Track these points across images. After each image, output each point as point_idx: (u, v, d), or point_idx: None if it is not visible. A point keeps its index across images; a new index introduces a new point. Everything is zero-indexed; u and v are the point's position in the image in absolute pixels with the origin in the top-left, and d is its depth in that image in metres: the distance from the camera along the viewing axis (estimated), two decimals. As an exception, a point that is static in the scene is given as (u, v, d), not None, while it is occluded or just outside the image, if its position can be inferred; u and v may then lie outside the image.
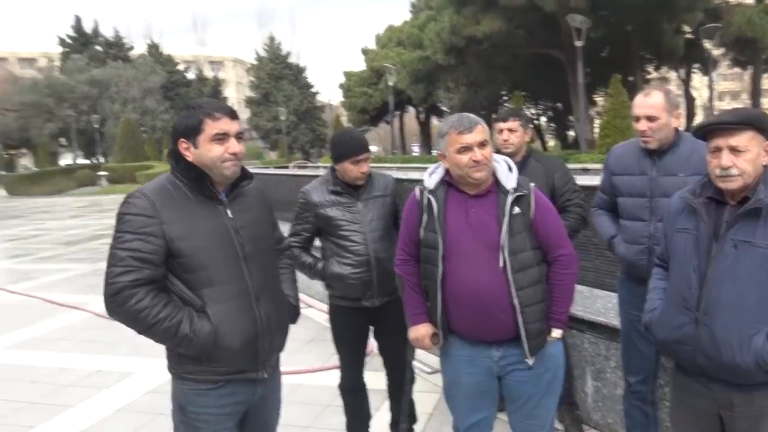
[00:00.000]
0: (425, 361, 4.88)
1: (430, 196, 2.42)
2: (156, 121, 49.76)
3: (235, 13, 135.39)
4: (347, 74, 52.34)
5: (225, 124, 2.08)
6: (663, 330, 2.20)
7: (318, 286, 7.05)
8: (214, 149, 2.06)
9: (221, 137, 2.07)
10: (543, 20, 25.49)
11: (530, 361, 2.39)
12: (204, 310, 2.04)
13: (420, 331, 2.56)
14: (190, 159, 2.09)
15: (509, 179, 2.38)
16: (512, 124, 3.56)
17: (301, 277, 8.01)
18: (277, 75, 60.46)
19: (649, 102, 2.85)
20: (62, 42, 56.23)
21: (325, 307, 6.64)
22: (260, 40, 67.20)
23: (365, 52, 51.82)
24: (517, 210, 2.34)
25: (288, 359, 5.05)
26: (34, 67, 60.11)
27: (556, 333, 2.43)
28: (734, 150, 2.00)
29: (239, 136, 2.12)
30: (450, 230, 2.37)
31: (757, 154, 2.02)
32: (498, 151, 3.56)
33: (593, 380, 3.65)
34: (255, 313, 2.12)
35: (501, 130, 3.57)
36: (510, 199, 2.34)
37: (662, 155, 2.88)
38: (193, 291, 2.05)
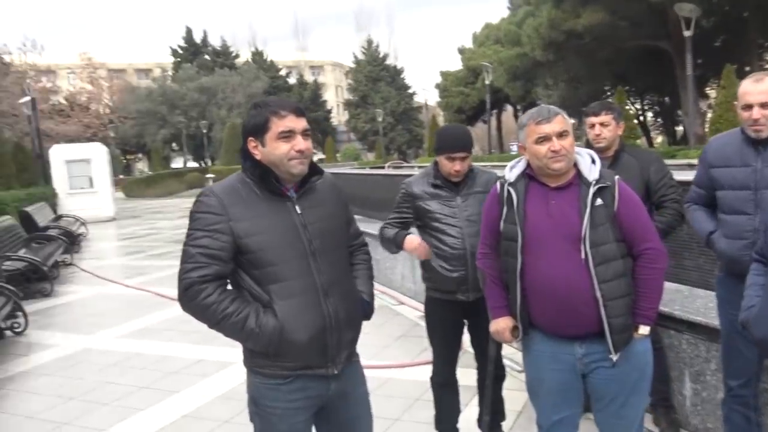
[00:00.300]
0: (515, 359, 4.81)
1: (510, 189, 2.41)
2: (259, 125, 51.73)
3: (335, 17, 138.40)
4: (444, 74, 52.27)
5: (291, 122, 2.07)
6: (761, 328, 2.05)
7: (410, 283, 7.11)
8: (280, 147, 2.06)
9: (287, 135, 2.07)
10: (649, 10, 24.35)
11: (614, 358, 2.32)
12: (271, 305, 2.06)
13: (500, 324, 2.56)
14: (258, 157, 2.10)
15: (592, 171, 2.34)
16: (604, 117, 3.47)
17: (395, 275, 8.05)
18: (375, 77, 61.26)
19: (762, 88, 2.69)
20: (174, 52, 59.65)
21: (417, 304, 6.72)
22: (358, 43, 68.17)
23: (462, 51, 51.53)
24: (599, 201, 2.29)
25: (379, 354, 5.19)
26: (149, 77, 64.11)
27: (644, 330, 2.34)
28: None
29: (306, 134, 2.11)
30: (530, 222, 2.35)
31: None
32: (590, 146, 3.48)
33: (692, 383, 3.47)
34: (323, 308, 2.11)
35: (593, 125, 3.50)
36: (592, 190, 2.29)
37: (767, 145, 2.71)
38: (261, 287, 2.08)
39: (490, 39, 44.87)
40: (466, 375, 3.76)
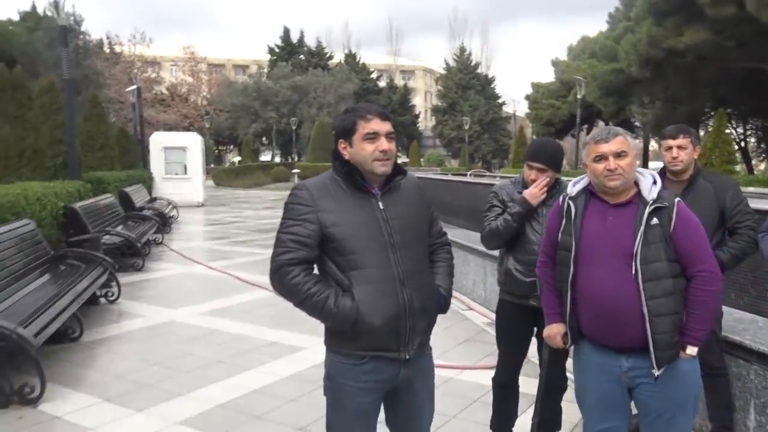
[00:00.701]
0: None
1: (570, 202, 2.54)
2: (346, 125, 52.64)
3: (429, 24, 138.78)
4: (535, 85, 51.53)
5: (376, 125, 2.25)
6: None
7: (481, 290, 7.16)
8: (366, 148, 2.25)
9: (372, 136, 2.25)
10: (759, 31, 23.18)
11: (656, 373, 2.36)
12: (350, 290, 2.22)
13: (553, 329, 2.67)
14: (346, 157, 2.30)
15: (651, 191, 2.42)
16: (682, 141, 3.47)
17: (467, 281, 8.07)
18: (465, 85, 61.12)
19: None
20: (271, 51, 61.63)
21: (485, 311, 6.76)
22: (450, 50, 68.15)
23: (555, 63, 50.61)
24: (655, 221, 2.37)
25: (443, 354, 5.29)
26: (245, 73, 66.49)
27: (691, 350, 2.38)
28: None
29: (390, 136, 2.28)
30: (585, 235, 2.46)
31: None
32: (664, 169, 3.52)
33: (757, 414, 3.39)
34: (399, 297, 2.25)
35: (670, 147, 3.49)
36: (648, 209, 2.38)
37: None
38: (343, 273, 2.25)
39: (585, 53, 43.83)
40: (530, 384, 3.81)
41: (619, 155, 2.39)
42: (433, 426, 3.89)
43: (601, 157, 2.40)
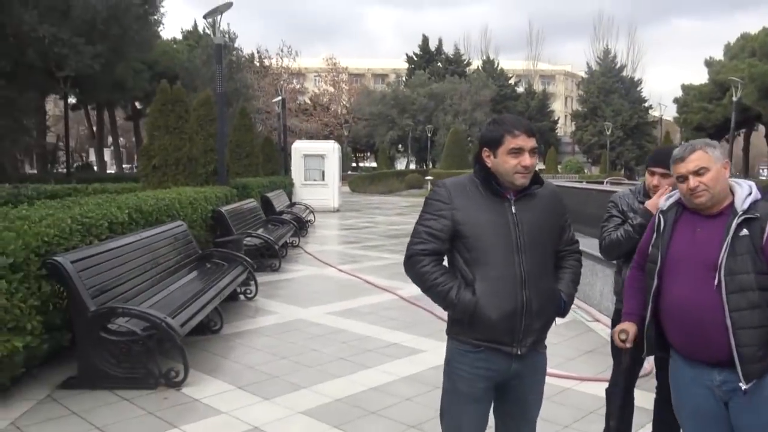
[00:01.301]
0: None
1: (661, 216, 2.54)
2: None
3: (571, 28, 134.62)
4: (685, 88, 48.47)
5: (522, 141, 2.39)
6: None
7: (608, 302, 6.94)
8: (509, 161, 2.40)
9: (517, 151, 2.39)
10: None
11: (744, 387, 2.30)
12: (473, 284, 2.40)
13: (623, 326, 2.70)
14: (489, 165, 2.46)
15: (744, 202, 2.37)
16: None
17: (594, 292, 7.86)
18: (608, 89, 58.65)
19: None
20: (409, 59, 62.72)
21: (611, 322, 6.55)
22: (594, 53, 65.62)
23: (709, 63, 47.28)
24: (744, 232, 2.32)
25: (563, 364, 5.26)
26: (384, 82, 68.19)
27: None
28: None
29: (533, 151, 2.42)
30: (672, 248, 2.45)
31: None
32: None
33: None
34: (518, 296, 2.39)
35: None
36: (737, 220, 2.33)
37: None
38: (469, 267, 2.43)
39: (745, 51, 40.60)
40: (647, 399, 3.72)
41: (698, 173, 2.37)
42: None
43: (683, 178, 2.40)
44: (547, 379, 4.98)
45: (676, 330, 2.45)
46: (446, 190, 2.47)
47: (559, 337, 6.20)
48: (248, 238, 9.95)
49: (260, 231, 11.13)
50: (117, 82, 28.03)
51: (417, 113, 52.78)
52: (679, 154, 2.44)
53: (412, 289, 8.24)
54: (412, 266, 2.47)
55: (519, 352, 2.44)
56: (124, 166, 48.55)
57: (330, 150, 23.10)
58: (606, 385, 4.82)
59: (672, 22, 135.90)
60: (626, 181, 32.07)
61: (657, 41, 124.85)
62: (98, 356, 4.69)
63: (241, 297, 7.77)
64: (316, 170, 22.68)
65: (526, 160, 2.39)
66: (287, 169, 23.17)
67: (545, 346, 2.60)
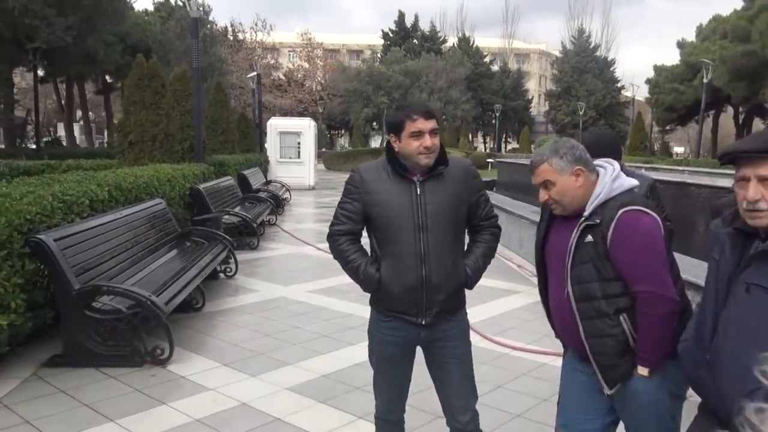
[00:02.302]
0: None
1: (542, 207, 2.53)
2: (457, 110, 52.44)
3: (547, 5, 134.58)
4: (657, 68, 48.94)
5: (420, 124, 2.57)
6: (686, 365, 2.02)
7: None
8: (411, 144, 2.58)
9: (417, 134, 2.57)
10: None
11: (606, 391, 2.33)
12: (380, 261, 2.68)
13: None
14: (396, 150, 2.65)
15: (590, 206, 2.29)
16: None
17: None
18: (582, 68, 59.05)
19: None
20: (385, 35, 62.22)
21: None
22: (569, 32, 65.94)
23: (681, 44, 47.82)
24: (589, 239, 2.26)
25: (538, 340, 5.39)
26: (359, 58, 67.64)
27: (641, 371, 2.26)
28: (764, 180, 1.73)
29: (433, 132, 2.58)
30: (547, 243, 2.50)
31: None
32: None
33: None
34: (418, 271, 2.61)
35: None
36: (578, 228, 2.29)
37: None
38: (378, 246, 2.69)
39: (716, 33, 41.07)
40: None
41: (545, 186, 2.33)
42: (526, 406, 4.09)
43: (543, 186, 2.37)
44: (526, 354, 5.19)
45: (556, 325, 2.55)
46: (359, 176, 2.70)
47: (533, 315, 6.37)
48: (226, 216, 9.94)
49: (238, 209, 11.11)
50: (88, 55, 27.36)
51: (392, 90, 52.50)
52: (530, 163, 2.41)
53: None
54: (332, 244, 2.76)
55: (423, 322, 2.68)
56: (95, 140, 47.63)
57: (306, 127, 22.97)
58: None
59: (646, 2, 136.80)
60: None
61: (631, 21, 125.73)
62: (83, 334, 4.71)
63: (221, 275, 7.80)
64: (292, 148, 22.56)
65: (427, 141, 2.56)
66: (262, 146, 23.00)
67: (462, 315, 2.82)
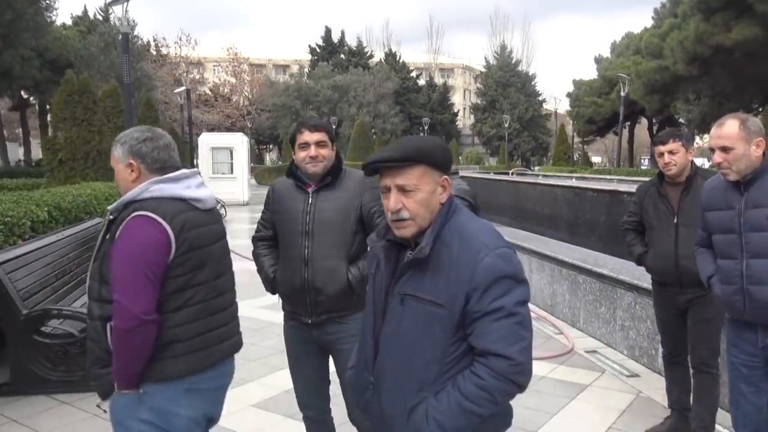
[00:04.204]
0: (624, 365, 5.02)
1: None
2: (386, 124, 53.01)
3: (469, 21, 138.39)
4: (577, 83, 51.07)
5: (306, 136, 2.84)
6: (356, 393, 1.96)
7: (539, 291, 7.38)
8: (300, 154, 2.87)
9: (304, 145, 2.85)
10: (809, 26, 22.70)
11: (98, 402, 2.32)
12: (278, 263, 2.98)
13: None
14: (294, 161, 2.92)
15: (118, 202, 2.25)
16: (673, 145, 3.59)
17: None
18: (505, 83, 60.87)
19: (720, 132, 2.77)
20: (312, 50, 62.25)
21: (530, 305, 6.98)
22: (491, 47, 67.90)
23: (598, 60, 50.08)
24: (109, 236, 2.20)
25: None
26: (286, 73, 67.35)
27: (117, 387, 2.16)
28: (403, 190, 1.73)
29: (320, 144, 2.84)
30: None
31: (431, 192, 1.74)
32: (661, 173, 3.71)
33: None
34: (302, 274, 2.85)
35: (662, 153, 3.62)
36: (106, 222, 2.26)
37: (749, 186, 2.74)
38: (280, 250, 3.00)
39: (629, 49, 43.29)
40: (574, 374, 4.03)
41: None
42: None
43: None
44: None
45: None
46: (271, 189, 3.06)
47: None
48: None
49: (176, 226, 10.84)
50: (4, 70, 26.12)
51: (321, 105, 52.60)
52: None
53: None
54: (253, 249, 3.12)
55: (310, 321, 2.90)
56: (9, 159, 45.33)
57: (238, 143, 22.71)
58: (533, 363, 5.17)
59: (560, 18, 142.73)
60: (529, 172, 33.58)
61: (549, 37, 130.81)
62: (32, 360, 4.52)
63: (166, 294, 7.60)
64: (225, 163, 22.25)
65: (311, 151, 2.82)
66: (193, 163, 22.56)
67: (349, 316, 2.89)
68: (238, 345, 2.49)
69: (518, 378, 1.68)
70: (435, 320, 1.70)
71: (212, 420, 2.42)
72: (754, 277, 2.68)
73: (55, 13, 29.54)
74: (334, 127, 49.63)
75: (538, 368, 4.82)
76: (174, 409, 2.20)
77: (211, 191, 2.45)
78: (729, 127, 2.75)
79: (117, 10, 12.52)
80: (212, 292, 2.31)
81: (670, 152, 3.58)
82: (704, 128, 41.00)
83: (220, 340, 2.34)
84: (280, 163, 52.13)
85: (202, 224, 2.29)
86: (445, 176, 1.77)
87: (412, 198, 1.72)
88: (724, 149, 2.73)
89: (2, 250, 4.81)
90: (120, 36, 19.69)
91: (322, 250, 2.83)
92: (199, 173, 2.44)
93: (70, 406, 4.31)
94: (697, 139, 42.93)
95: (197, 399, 2.26)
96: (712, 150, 2.80)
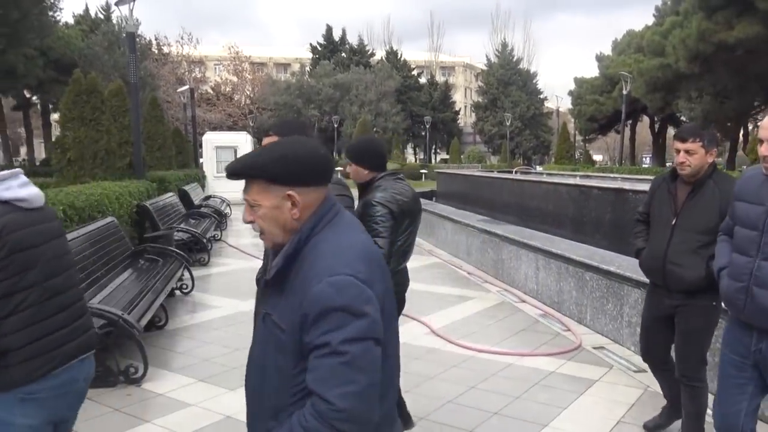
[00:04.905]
0: (632, 361, 5.12)
1: None
2: (388, 122, 53.08)
3: (470, 19, 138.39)
4: (578, 81, 51.08)
5: (269, 138, 2.80)
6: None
7: (532, 283, 7.47)
8: None
9: None
10: (811, 24, 22.75)
11: None
12: None
13: None
14: None
15: None
16: (691, 145, 3.33)
17: (519, 275, 8.31)
18: (506, 81, 60.91)
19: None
20: (313, 49, 62.32)
21: (537, 303, 7.06)
22: (492, 45, 67.92)
23: (600, 58, 50.10)
24: None
25: (500, 342, 5.64)
26: (288, 72, 67.40)
27: None
28: (253, 205, 1.64)
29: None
30: None
31: (273, 207, 1.61)
32: (675, 171, 3.48)
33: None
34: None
35: (678, 151, 3.38)
36: None
37: None
38: None
39: (631, 47, 43.31)
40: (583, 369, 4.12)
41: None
42: (499, 405, 4.30)
43: None
44: (491, 356, 5.41)
45: None
46: None
47: (492, 319, 6.63)
48: (177, 233, 9.80)
49: (183, 225, 10.95)
50: (7, 69, 26.23)
51: (323, 103, 52.71)
52: None
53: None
54: None
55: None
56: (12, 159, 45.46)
57: (242, 142, 22.80)
58: (545, 359, 5.31)
59: (560, 17, 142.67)
60: (533, 171, 33.64)
61: (551, 35, 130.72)
62: (53, 356, 4.61)
63: (177, 292, 7.71)
64: (228, 162, 22.32)
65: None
66: (197, 162, 22.66)
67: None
68: (85, 345, 2.37)
69: (341, 426, 1.44)
70: (279, 345, 1.56)
71: (64, 422, 2.39)
72: (761, 279, 2.59)
73: (59, 12, 29.56)
74: (335, 126, 49.93)
75: (547, 364, 5.02)
76: (8, 418, 2.17)
77: (38, 190, 2.30)
78: None
79: (121, 10, 12.61)
80: (45, 293, 2.22)
81: (687, 152, 3.34)
82: (706, 126, 41.15)
83: (61, 344, 2.25)
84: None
85: (28, 225, 2.21)
86: (291, 191, 1.59)
87: (257, 213, 1.63)
88: None
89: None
90: (124, 35, 19.78)
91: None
92: (22, 172, 2.30)
93: (91, 401, 4.38)
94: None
95: (34, 407, 2.20)
96: (761, 141, 2.61)
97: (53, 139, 12.76)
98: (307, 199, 1.61)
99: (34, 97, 38.94)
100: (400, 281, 3.49)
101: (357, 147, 3.61)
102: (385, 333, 1.58)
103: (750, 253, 2.64)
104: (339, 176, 3.63)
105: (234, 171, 1.63)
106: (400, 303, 3.57)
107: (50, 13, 27.93)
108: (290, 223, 1.62)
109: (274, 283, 1.62)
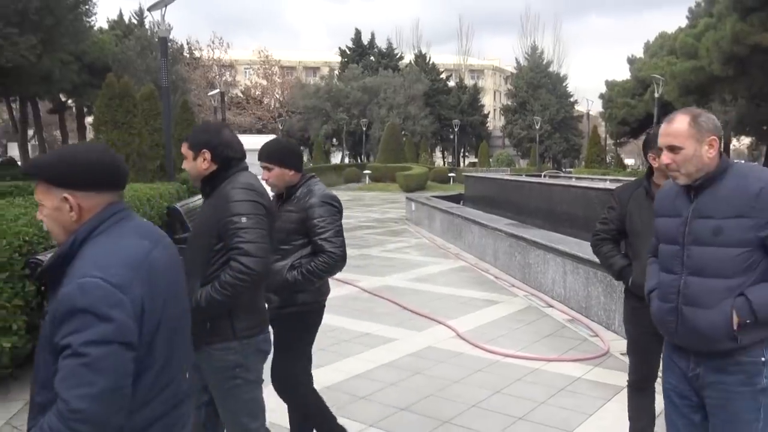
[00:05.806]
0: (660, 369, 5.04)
1: None
2: (416, 126, 53.07)
3: (499, 23, 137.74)
4: (609, 84, 50.50)
5: (183, 149, 2.75)
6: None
7: (560, 288, 7.41)
8: None
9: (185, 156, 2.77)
10: None
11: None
12: None
13: None
14: None
15: None
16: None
17: (546, 279, 8.31)
18: (536, 84, 60.48)
19: (668, 130, 2.39)
20: (342, 53, 62.64)
21: (565, 308, 7.00)
22: (522, 48, 67.54)
23: (631, 61, 49.47)
24: None
25: (527, 347, 5.61)
26: (317, 75, 67.84)
27: None
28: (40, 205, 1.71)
29: (189, 155, 2.71)
30: None
31: (54, 209, 1.67)
32: (649, 172, 3.21)
33: None
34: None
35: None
36: None
37: (699, 193, 2.38)
38: None
39: (663, 49, 42.68)
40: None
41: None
42: (524, 410, 4.27)
43: None
44: (517, 361, 5.37)
45: None
46: None
47: (518, 323, 6.59)
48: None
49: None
50: (44, 74, 26.87)
51: (351, 107, 52.90)
52: None
53: (372, 281, 8.50)
54: None
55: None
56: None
57: (270, 144, 23.00)
58: (572, 364, 5.25)
59: (591, 19, 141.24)
60: (562, 174, 33.31)
61: (581, 38, 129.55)
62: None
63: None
64: (257, 164, 22.52)
65: (185, 164, 2.75)
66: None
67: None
68: None
69: (77, 426, 1.47)
70: (45, 343, 1.60)
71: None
72: (689, 296, 2.35)
73: (93, 18, 30.22)
74: (364, 129, 50.08)
75: (573, 369, 4.97)
76: None
77: None
78: (678, 123, 2.37)
79: (153, 15, 12.89)
80: None
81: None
82: (741, 130, 40.32)
83: None
84: (311, 164, 52.59)
85: None
86: (67, 193, 1.64)
87: (42, 213, 1.70)
88: (672, 149, 2.36)
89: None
90: (157, 39, 20.07)
91: (191, 266, 2.44)
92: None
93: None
94: (734, 140, 42.17)
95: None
96: (661, 149, 2.45)
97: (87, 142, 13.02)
98: (88, 203, 1.66)
99: (69, 101, 39.76)
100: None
101: (278, 149, 3.35)
102: (155, 339, 1.63)
103: (675, 269, 2.41)
104: (327, 191, 3.36)
105: (24, 169, 1.72)
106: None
107: (85, 19, 28.52)
108: (70, 225, 1.66)
109: (50, 282, 1.65)
